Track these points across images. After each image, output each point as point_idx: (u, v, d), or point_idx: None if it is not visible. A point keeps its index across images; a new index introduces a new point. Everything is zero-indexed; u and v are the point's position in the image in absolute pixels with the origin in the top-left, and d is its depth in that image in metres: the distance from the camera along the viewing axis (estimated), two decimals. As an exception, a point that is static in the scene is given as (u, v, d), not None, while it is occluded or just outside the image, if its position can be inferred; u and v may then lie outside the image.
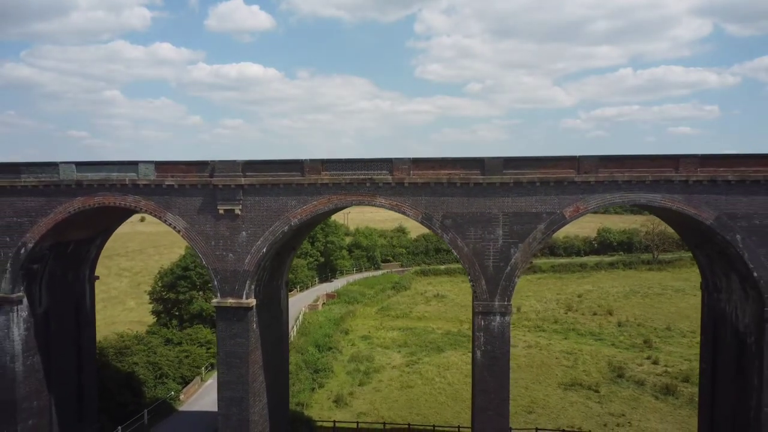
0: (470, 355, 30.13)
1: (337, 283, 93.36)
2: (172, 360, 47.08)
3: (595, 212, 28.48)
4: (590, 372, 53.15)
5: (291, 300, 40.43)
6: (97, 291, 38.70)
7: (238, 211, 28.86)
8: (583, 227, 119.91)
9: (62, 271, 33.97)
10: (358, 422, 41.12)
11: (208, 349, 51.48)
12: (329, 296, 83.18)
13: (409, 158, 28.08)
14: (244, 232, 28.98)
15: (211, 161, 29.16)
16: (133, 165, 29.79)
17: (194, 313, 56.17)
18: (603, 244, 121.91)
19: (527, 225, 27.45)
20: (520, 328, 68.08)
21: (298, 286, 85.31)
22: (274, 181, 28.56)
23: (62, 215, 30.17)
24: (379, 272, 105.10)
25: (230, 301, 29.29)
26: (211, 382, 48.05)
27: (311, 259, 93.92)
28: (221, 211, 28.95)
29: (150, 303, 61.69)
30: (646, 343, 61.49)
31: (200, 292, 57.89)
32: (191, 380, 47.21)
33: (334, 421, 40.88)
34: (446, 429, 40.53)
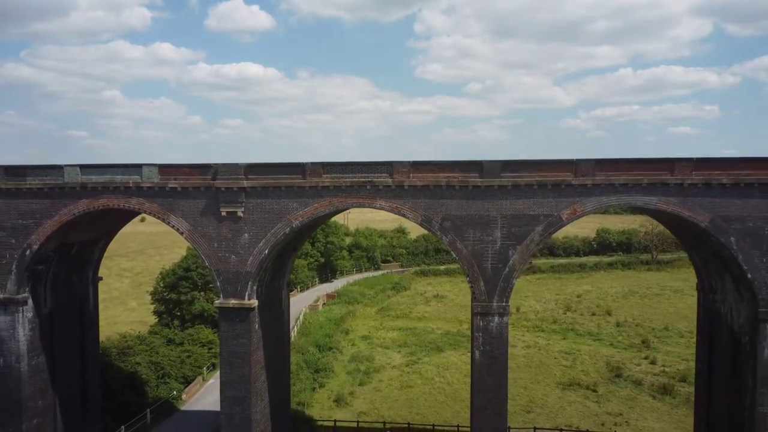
0: (469, 355, 30.56)
1: (338, 284, 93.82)
2: (174, 360, 47.53)
3: (594, 212, 28.88)
4: (588, 372, 53.62)
5: (291, 300, 40.86)
6: (98, 291, 39.12)
7: (240, 214, 29.29)
8: (582, 227, 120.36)
9: (66, 272, 34.40)
10: (358, 422, 41.57)
11: (210, 349, 51.96)
12: (329, 296, 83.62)
13: (409, 161, 28.51)
14: (246, 234, 29.42)
15: (214, 164, 29.59)
16: (137, 168, 30.21)
17: (196, 314, 56.60)
18: (602, 245, 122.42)
19: (525, 227, 27.89)
20: (519, 328, 68.56)
21: (299, 287, 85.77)
22: (276, 184, 28.99)
23: (67, 217, 30.59)
24: (379, 272, 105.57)
25: (233, 302, 29.72)
26: (213, 381, 48.52)
27: (311, 260, 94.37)
28: (224, 214, 29.38)
29: (152, 303, 62.15)
30: (644, 343, 61.98)
31: (202, 293, 58.32)
32: (193, 380, 47.68)
33: (335, 421, 41.32)
34: (446, 428, 40.98)
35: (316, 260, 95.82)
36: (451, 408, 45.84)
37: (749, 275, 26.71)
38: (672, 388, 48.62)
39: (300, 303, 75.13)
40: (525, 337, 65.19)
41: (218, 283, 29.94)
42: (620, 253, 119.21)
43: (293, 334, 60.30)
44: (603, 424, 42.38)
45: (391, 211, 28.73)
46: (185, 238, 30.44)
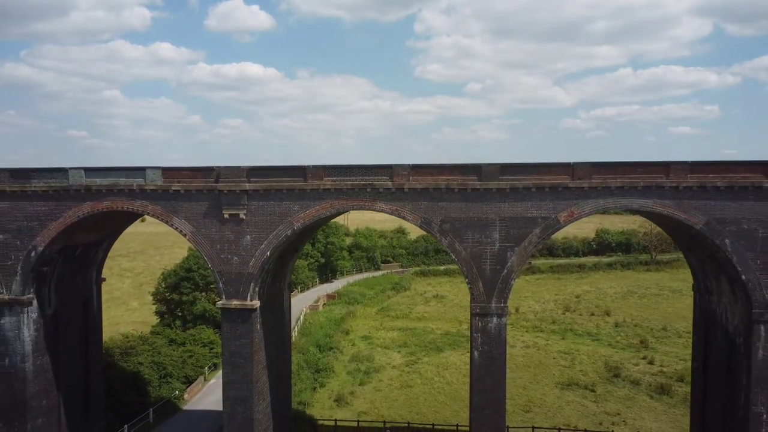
0: (469, 355, 31.00)
1: (338, 284, 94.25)
2: (176, 360, 47.96)
3: (591, 215, 29.33)
4: (587, 372, 54.04)
5: (292, 301, 41.28)
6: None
7: (242, 216, 29.72)
8: (581, 228, 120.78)
9: (70, 273, 34.83)
10: (358, 421, 41.99)
11: (211, 349, 52.43)
12: (330, 297, 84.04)
13: (409, 164, 28.96)
14: (248, 236, 29.85)
15: (217, 167, 30.04)
16: (140, 170, 30.66)
17: (197, 314, 57.05)
18: (601, 245, 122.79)
19: (523, 229, 28.33)
20: (518, 328, 69.00)
21: (299, 287, 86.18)
22: (278, 187, 29.44)
23: (71, 219, 31.02)
24: (379, 273, 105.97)
25: (235, 302, 30.16)
26: (215, 381, 48.97)
27: (312, 260, 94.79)
28: (226, 216, 29.82)
29: (154, 304, 62.58)
30: (642, 344, 62.38)
31: (203, 293, 58.77)
32: (195, 380, 48.12)
33: (336, 420, 41.75)
34: (445, 427, 41.41)
35: (316, 260, 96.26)
36: (451, 407, 46.27)
37: (743, 277, 27.15)
38: (669, 387, 49.06)
39: (300, 303, 75.55)
40: (524, 337, 65.61)
41: (221, 285, 30.38)
42: (619, 253, 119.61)
43: (294, 334, 60.73)
44: (601, 424, 42.80)
45: (392, 213, 29.18)
46: (188, 240, 30.89)
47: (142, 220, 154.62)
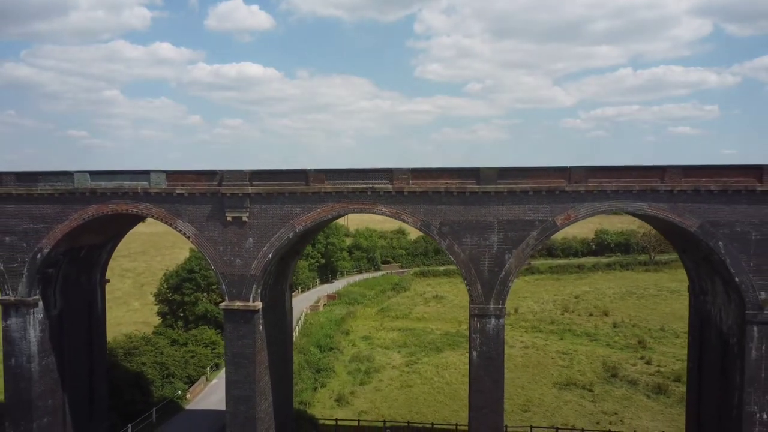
0: (468, 355, 31.54)
1: (338, 284, 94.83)
2: (178, 360, 48.48)
3: (588, 217, 29.86)
4: (585, 372, 54.56)
5: (293, 301, 41.78)
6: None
7: (245, 219, 30.25)
8: (581, 228, 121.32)
9: (75, 274, 35.35)
10: (359, 420, 42.51)
11: (213, 349, 52.98)
12: (330, 297, 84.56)
13: (408, 168, 29.50)
14: (251, 239, 30.38)
15: (220, 171, 30.57)
16: (144, 174, 31.19)
17: (199, 315, 57.59)
18: (600, 245, 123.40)
19: (521, 232, 28.85)
20: (517, 329, 69.54)
21: (300, 288, 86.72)
22: (280, 190, 29.96)
23: (77, 222, 31.55)
24: (379, 273, 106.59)
25: (238, 304, 30.68)
26: (216, 381, 49.51)
27: (312, 261, 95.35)
28: (229, 219, 30.34)
29: (156, 304, 63.12)
30: (640, 344, 62.92)
31: (205, 294, 59.31)
32: (197, 380, 48.64)
33: (336, 419, 42.27)
34: (444, 427, 41.94)
35: (316, 261, 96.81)
36: (450, 407, 46.79)
37: (737, 278, 27.67)
38: (666, 387, 49.57)
39: (301, 304, 76.09)
40: (523, 337, 66.15)
41: (223, 286, 30.90)
42: (618, 254, 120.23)
43: (295, 334, 61.26)
44: (598, 423, 43.31)
45: (392, 216, 29.70)
46: (192, 242, 31.42)
47: (143, 221, 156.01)
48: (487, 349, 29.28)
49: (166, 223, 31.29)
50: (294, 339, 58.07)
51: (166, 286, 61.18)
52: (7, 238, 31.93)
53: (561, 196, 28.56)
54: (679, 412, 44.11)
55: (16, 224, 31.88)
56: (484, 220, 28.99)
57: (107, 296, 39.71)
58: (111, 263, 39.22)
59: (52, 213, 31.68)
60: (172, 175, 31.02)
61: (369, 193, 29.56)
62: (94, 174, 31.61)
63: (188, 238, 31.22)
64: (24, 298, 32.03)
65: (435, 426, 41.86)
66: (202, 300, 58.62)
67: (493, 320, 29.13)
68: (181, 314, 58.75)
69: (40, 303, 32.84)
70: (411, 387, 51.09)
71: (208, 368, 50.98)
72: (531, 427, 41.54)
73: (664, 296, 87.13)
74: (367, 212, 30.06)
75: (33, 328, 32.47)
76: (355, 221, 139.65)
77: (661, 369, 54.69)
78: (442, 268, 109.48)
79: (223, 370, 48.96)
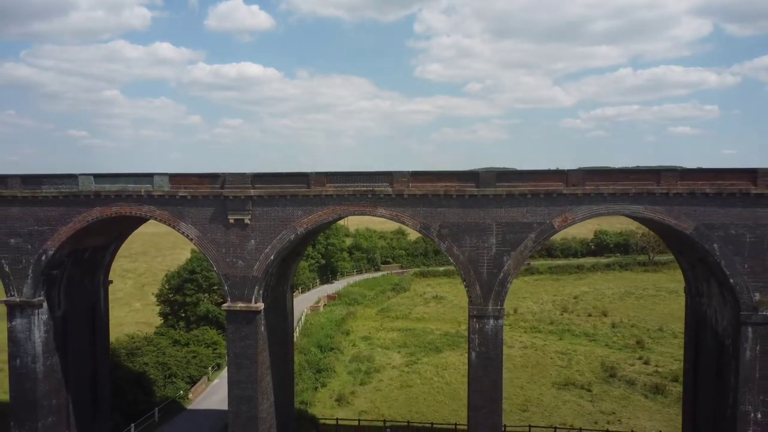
0: (467, 355, 31.96)
1: (338, 285, 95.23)
2: (180, 360, 48.91)
3: (585, 220, 30.30)
4: (583, 372, 54.99)
5: (293, 301, 42.22)
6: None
7: (247, 221, 30.67)
8: (580, 229, 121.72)
9: (79, 276, 35.78)
10: (359, 420, 42.93)
11: (215, 349, 53.42)
12: (330, 298, 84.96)
13: (408, 171, 29.93)
14: (253, 241, 30.80)
15: (222, 174, 30.98)
16: (148, 177, 31.61)
17: (200, 315, 58.02)
18: (600, 246, 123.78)
19: (519, 234, 29.28)
20: (516, 329, 69.97)
21: (300, 288, 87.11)
22: (282, 193, 30.38)
23: (81, 224, 31.97)
24: (379, 274, 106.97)
25: (240, 305, 31.10)
26: (218, 381, 49.97)
27: (312, 261, 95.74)
28: (231, 221, 30.76)
29: (157, 305, 63.54)
30: (638, 344, 63.34)
31: (206, 295, 59.72)
32: (199, 380, 49.07)
33: (337, 419, 42.69)
34: (444, 426, 42.37)
35: (317, 262, 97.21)
36: (450, 407, 47.22)
37: (731, 280, 28.09)
38: (664, 387, 50.00)
39: (301, 304, 76.48)
40: (522, 337, 66.56)
41: (226, 287, 31.33)
42: (618, 254, 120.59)
43: (295, 334, 61.64)
44: (596, 423, 43.73)
45: (392, 218, 30.14)
46: (194, 244, 31.85)
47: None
48: (485, 349, 29.70)
49: (169, 225, 31.70)
50: (295, 339, 58.57)
51: (167, 287, 61.62)
52: (12, 240, 32.36)
53: (558, 198, 28.99)
54: (677, 412, 44.50)
55: (21, 226, 32.31)
56: (483, 223, 29.41)
57: (109, 296, 40.13)
58: (112, 264, 39.63)
59: (57, 215, 32.10)
60: (175, 178, 31.44)
61: (369, 195, 29.98)
62: (98, 177, 32.04)
63: (191, 240, 31.65)
64: (29, 299, 32.45)
65: (434, 425, 42.29)
66: (203, 301, 59.04)
67: (491, 321, 29.56)
68: (183, 315, 59.17)
69: (45, 304, 33.26)
70: (411, 387, 51.52)
71: (209, 368, 51.40)
72: (530, 426, 41.97)
73: (662, 296, 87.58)
74: (368, 214, 30.50)
75: (38, 329, 32.90)
76: (355, 222, 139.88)
77: (659, 369, 55.12)
78: (441, 269, 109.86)
79: (225, 370, 49.44)
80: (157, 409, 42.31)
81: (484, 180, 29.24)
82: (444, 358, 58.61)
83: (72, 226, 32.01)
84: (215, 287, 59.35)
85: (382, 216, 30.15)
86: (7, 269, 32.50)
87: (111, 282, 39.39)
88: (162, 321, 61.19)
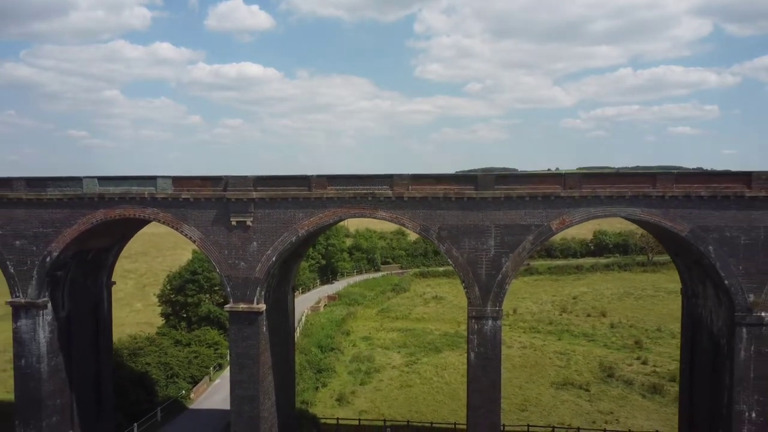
0: (466, 355, 32.40)
1: (338, 285, 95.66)
2: (182, 360, 49.36)
3: (582, 222, 30.75)
4: (582, 372, 55.43)
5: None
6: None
7: (249, 223, 31.11)
8: (579, 229, 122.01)
9: (83, 277, 36.21)
10: (360, 419, 43.36)
11: (216, 350, 53.88)
12: (330, 298, 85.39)
13: (408, 174, 30.37)
14: (255, 242, 31.24)
15: (225, 176, 31.43)
16: (151, 179, 32.04)
17: (202, 316, 58.45)
18: (599, 246, 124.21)
19: (517, 236, 29.73)
20: (516, 329, 70.42)
21: (300, 288, 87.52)
22: (283, 195, 30.83)
23: (85, 226, 32.40)
24: (379, 274, 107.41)
25: (242, 306, 31.54)
26: (219, 381, 50.43)
27: (313, 262, 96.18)
28: (234, 223, 31.20)
29: (159, 305, 63.99)
30: (636, 344, 63.79)
31: (207, 295, 60.16)
32: (200, 380, 49.52)
33: (338, 419, 43.13)
34: (443, 426, 42.80)
35: (317, 262, 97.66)
36: (449, 406, 47.66)
37: (726, 281, 28.54)
38: (662, 387, 50.45)
39: (302, 304, 76.88)
40: (521, 338, 67.00)
41: (228, 289, 31.76)
42: (617, 254, 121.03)
43: (296, 335, 62.06)
44: (594, 422, 44.17)
45: (392, 221, 30.59)
46: (197, 245, 32.28)
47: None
48: (484, 350, 30.14)
49: (172, 227, 32.14)
50: (295, 340, 59.00)
51: (169, 288, 62.06)
52: (17, 242, 32.80)
53: (556, 201, 29.42)
54: (674, 412, 44.88)
55: (26, 228, 32.74)
56: (482, 225, 29.85)
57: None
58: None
59: (61, 217, 32.54)
60: (178, 181, 31.88)
61: (370, 198, 30.43)
62: (102, 179, 32.47)
63: (194, 242, 32.08)
64: (34, 300, 32.89)
65: (434, 425, 42.72)
66: (205, 301, 59.48)
67: (490, 322, 30.00)
68: (184, 315, 59.62)
69: (49, 305, 33.70)
70: (411, 387, 51.95)
71: (211, 368, 51.85)
72: (528, 426, 42.39)
73: (661, 297, 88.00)
74: (368, 217, 30.95)
75: (42, 330, 33.34)
76: (355, 222, 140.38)
77: (657, 369, 55.57)
78: (441, 269, 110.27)
79: (226, 370, 49.95)
80: (159, 408, 42.77)
81: (483, 183, 29.68)
82: (443, 359, 59.05)
83: (76, 228, 32.45)
84: (216, 288, 59.81)
85: (382, 218, 30.60)
86: (12, 271, 32.95)
87: (114, 283, 39.82)
88: (164, 321, 61.64)
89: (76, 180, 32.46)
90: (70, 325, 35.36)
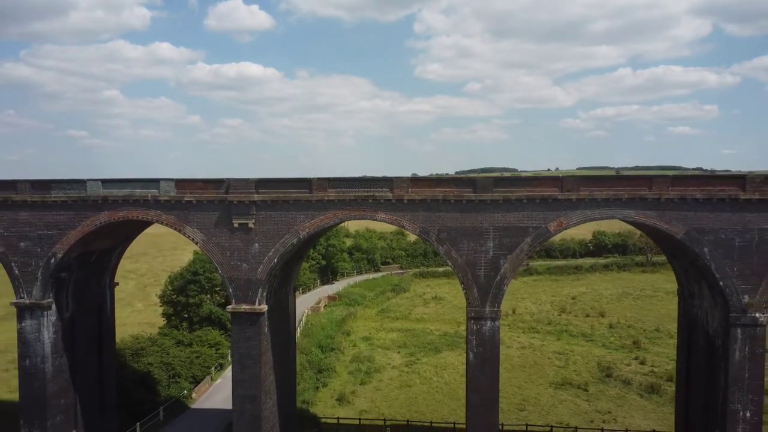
0: (465, 355, 32.82)
1: (338, 285, 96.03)
2: (183, 360, 49.76)
3: (579, 224, 31.19)
4: (580, 372, 55.85)
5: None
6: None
7: (251, 225, 31.54)
8: (578, 229, 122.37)
9: (86, 278, 36.64)
10: (360, 419, 43.78)
11: (217, 350, 54.28)
12: (331, 298, 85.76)
13: (408, 177, 30.86)
14: (256, 244, 31.67)
15: (227, 179, 31.88)
16: (154, 182, 32.48)
17: (203, 316, 58.83)
18: (598, 246, 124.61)
19: (515, 238, 30.17)
20: (515, 329, 70.84)
21: (301, 289, 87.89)
22: (285, 198, 31.27)
23: (89, 228, 32.84)
24: (379, 274, 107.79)
25: (244, 307, 31.97)
26: (221, 381, 50.83)
27: (313, 262, 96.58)
28: (236, 225, 31.64)
29: (160, 306, 64.39)
30: (635, 344, 64.20)
31: (209, 296, 60.57)
32: (202, 379, 49.92)
33: (338, 418, 43.54)
34: (443, 425, 43.22)
35: (317, 262, 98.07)
36: (448, 406, 48.07)
37: (721, 283, 28.98)
38: (659, 387, 50.88)
39: (302, 305, 77.12)
40: (520, 338, 67.42)
41: (230, 290, 32.19)
42: (616, 255, 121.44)
43: (296, 335, 62.47)
44: (592, 422, 44.59)
45: (392, 223, 31.03)
46: (200, 247, 32.72)
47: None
48: (483, 350, 30.58)
49: (175, 229, 32.58)
50: (296, 340, 59.42)
51: (170, 288, 62.46)
52: (22, 244, 33.24)
53: (554, 204, 29.86)
54: (671, 411, 45.27)
55: (31, 230, 33.18)
56: (481, 227, 30.28)
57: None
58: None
59: (66, 219, 32.97)
60: (181, 183, 32.32)
61: (370, 200, 30.85)
62: (106, 182, 32.92)
63: (197, 243, 32.51)
64: (38, 301, 33.32)
65: (433, 424, 43.13)
66: (206, 302, 59.87)
67: (488, 323, 30.43)
68: (186, 315, 60.00)
69: (54, 306, 34.13)
70: (410, 387, 52.37)
71: (212, 368, 52.26)
72: (527, 425, 42.79)
73: (659, 297, 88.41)
74: (368, 219, 31.38)
75: (47, 330, 33.77)
76: (355, 223, 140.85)
77: (655, 369, 55.99)
78: (441, 269, 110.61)
79: (227, 370, 50.40)
80: (161, 408, 43.17)
81: (482, 185, 30.12)
82: (443, 359, 59.47)
83: (80, 229, 32.89)
84: (218, 288, 60.22)
85: (382, 220, 31.03)
86: (17, 272, 33.38)
87: (117, 284, 40.25)
88: (165, 322, 62.02)
89: (80, 182, 32.90)
90: (74, 325, 35.78)
